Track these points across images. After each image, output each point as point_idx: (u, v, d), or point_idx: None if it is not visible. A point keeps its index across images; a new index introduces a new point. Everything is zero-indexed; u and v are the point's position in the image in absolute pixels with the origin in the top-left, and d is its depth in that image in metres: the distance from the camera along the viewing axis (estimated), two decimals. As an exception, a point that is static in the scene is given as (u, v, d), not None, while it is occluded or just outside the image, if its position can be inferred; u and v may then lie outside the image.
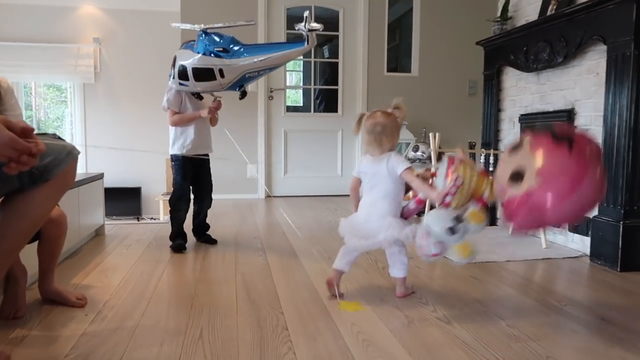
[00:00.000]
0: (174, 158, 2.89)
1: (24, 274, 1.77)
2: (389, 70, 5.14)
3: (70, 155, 1.42)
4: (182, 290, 2.04)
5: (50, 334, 1.58)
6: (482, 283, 2.19)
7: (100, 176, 3.09)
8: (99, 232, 3.11)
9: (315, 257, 2.60)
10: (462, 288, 2.11)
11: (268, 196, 4.93)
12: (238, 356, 1.43)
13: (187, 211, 2.90)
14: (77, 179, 2.85)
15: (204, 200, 2.97)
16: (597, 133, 2.58)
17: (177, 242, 2.83)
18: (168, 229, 3.08)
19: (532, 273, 2.38)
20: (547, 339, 1.57)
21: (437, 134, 2.89)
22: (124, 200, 6.08)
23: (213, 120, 2.95)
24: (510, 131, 3.41)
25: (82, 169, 2.70)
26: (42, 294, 1.85)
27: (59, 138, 1.45)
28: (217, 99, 2.86)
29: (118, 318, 1.72)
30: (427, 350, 1.49)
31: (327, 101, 5.34)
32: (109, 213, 3.22)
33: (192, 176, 2.88)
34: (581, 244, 2.71)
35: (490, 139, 3.54)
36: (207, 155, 2.95)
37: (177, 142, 2.86)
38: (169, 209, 2.93)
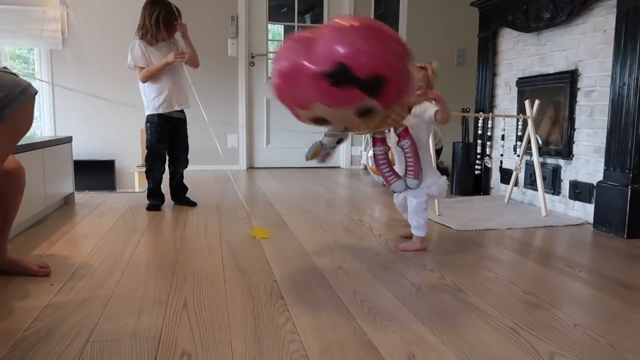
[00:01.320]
0: (149, 119, 2.73)
1: (-24, 239, 1.54)
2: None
3: (25, 93, 1.19)
4: (162, 259, 1.83)
5: (7, 306, 1.37)
6: (487, 250, 2.04)
7: (68, 139, 2.83)
8: (68, 201, 2.87)
9: (306, 225, 2.42)
10: (467, 255, 1.97)
11: (250, 167, 4.71)
12: (229, 327, 1.25)
13: (163, 172, 2.82)
14: (42, 139, 2.61)
15: (179, 161, 2.85)
16: (603, 94, 2.44)
17: (153, 201, 2.73)
18: (144, 199, 2.86)
19: (536, 240, 2.25)
20: (569, 306, 1.43)
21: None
22: (97, 174, 5.75)
23: (190, 61, 2.74)
24: (505, 96, 3.26)
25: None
26: (-6, 265, 1.62)
27: (11, 73, 1.21)
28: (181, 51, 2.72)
29: (88, 288, 1.51)
30: (441, 318, 1.33)
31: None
32: (80, 188, 2.96)
33: (169, 135, 2.76)
34: (582, 211, 2.59)
35: (485, 105, 3.39)
36: (183, 112, 2.77)
37: (151, 100, 2.72)
38: (145, 169, 2.81)
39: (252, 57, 4.64)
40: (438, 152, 3.68)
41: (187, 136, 2.83)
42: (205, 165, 4.58)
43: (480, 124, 2.87)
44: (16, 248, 1.91)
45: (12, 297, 1.42)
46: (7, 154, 1.24)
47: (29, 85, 1.21)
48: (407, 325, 1.28)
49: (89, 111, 5.86)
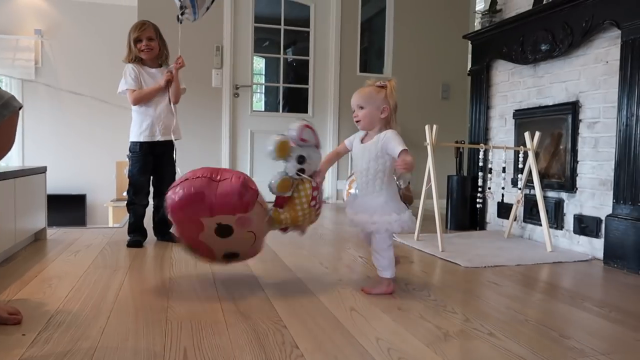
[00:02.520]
0: (131, 147, 2.58)
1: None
2: (361, 70, 4.89)
3: (6, 107, 1.01)
4: (151, 302, 1.62)
5: (-29, 362, 1.14)
6: (505, 288, 1.90)
7: (42, 170, 2.60)
8: (39, 237, 2.61)
9: (305, 262, 2.24)
10: (486, 294, 1.82)
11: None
12: (242, 386, 1.05)
13: (146, 206, 2.62)
14: (14, 169, 2.38)
15: (164, 194, 2.58)
16: (608, 125, 2.39)
17: (134, 237, 2.51)
18: (124, 234, 2.63)
19: (551, 277, 2.12)
20: (619, 353, 1.29)
21: (434, 126, 2.63)
22: (66, 209, 5.43)
23: (173, 94, 2.59)
24: (501, 128, 3.20)
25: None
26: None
27: None
28: (170, 68, 2.60)
29: (68, 338, 1.29)
30: (483, 369, 1.16)
31: (292, 102, 5.01)
32: (48, 224, 2.69)
33: (153, 166, 2.60)
34: (589, 246, 2.49)
35: (479, 138, 3.32)
36: (172, 142, 2.59)
37: (135, 126, 2.57)
38: (126, 202, 2.61)
39: (237, 88, 4.52)
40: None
41: (174, 165, 2.64)
42: (185, 200, 4.36)
43: (481, 156, 2.78)
44: (-20, 291, 1.67)
45: (-24, 352, 1.19)
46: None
47: (12, 98, 1.03)
48: (447, 378, 1.11)
49: (60, 143, 5.61)
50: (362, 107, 1.71)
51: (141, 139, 2.53)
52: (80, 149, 5.62)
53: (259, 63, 5.53)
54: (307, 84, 4.76)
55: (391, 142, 1.67)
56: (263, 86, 5.30)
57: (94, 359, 1.16)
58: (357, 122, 1.75)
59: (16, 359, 1.15)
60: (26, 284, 1.79)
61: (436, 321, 1.49)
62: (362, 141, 1.77)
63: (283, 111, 4.85)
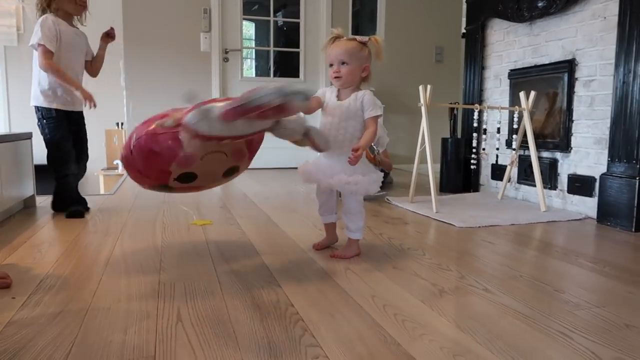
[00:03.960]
0: (47, 113, 2.31)
1: None
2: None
3: None
4: (144, 264, 1.60)
5: (-41, 324, 1.12)
6: (500, 247, 1.90)
7: (27, 135, 2.54)
8: (28, 204, 2.57)
9: (298, 224, 2.22)
10: (480, 252, 1.81)
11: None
12: (237, 342, 1.04)
13: (76, 175, 2.44)
14: (-3, 134, 2.32)
15: (84, 160, 2.51)
16: (604, 83, 2.35)
17: (75, 207, 2.33)
18: (114, 201, 2.60)
19: (545, 236, 2.12)
20: (613, 305, 1.29)
21: (428, 87, 2.58)
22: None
23: (94, 68, 2.48)
24: (496, 89, 3.15)
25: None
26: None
27: None
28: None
29: (59, 301, 1.27)
30: (478, 322, 1.16)
31: (283, 67, 4.91)
32: (38, 193, 2.63)
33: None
34: (582, 205, 2.49)
35: (474, 99, 3.28)
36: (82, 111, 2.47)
37: (49, 90, 2.29)
38: (54, 176, 2.39)
39: (226, 52, 4.41)
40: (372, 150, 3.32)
41: (86, 131, 2.50)
42: (177, 167, 4.31)
43: (475, 117, 2.75)
44: (-32, 256, 1.64)
45: (-35, 315, 1.17)
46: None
47: None
48: (443, 332, 1.10)
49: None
50: (344, 63, 1.59)
51: (56, 106, 2.31)
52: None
53: (249, 28, 5.39)
54: (297, 47, 4.66)
55: (370, 103, 1.59)
56: (253, 51, 5.18)
57: (85, 320, 1.14)
58: (336, 77, 1.61)
59: (6, 321, 1.13)
60: (15, 249, 1.76)
61: (431, 279, 1.49)
62: (337, 98, 1.65)
63: (274, 76, 4.76)
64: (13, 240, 1.88)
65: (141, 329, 1.10)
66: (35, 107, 2.32)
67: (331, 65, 1.62)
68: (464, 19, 4.13)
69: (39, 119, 2.32)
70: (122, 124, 5.12)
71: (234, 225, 2.19)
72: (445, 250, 1.84)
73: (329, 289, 1.38)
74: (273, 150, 4.58)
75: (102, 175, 4.90)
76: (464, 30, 3.77)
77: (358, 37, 1.64)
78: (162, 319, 1.16)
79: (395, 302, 1.28)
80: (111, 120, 5.15)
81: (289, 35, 4.96)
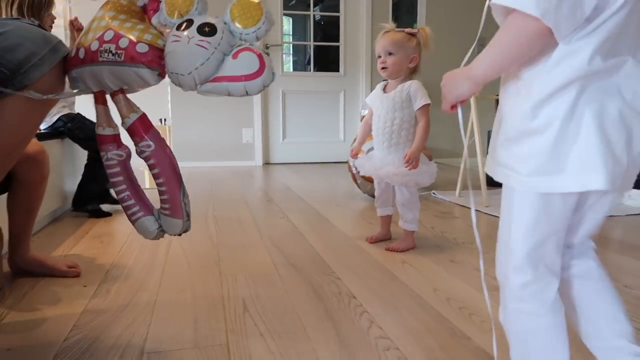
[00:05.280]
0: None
1: (-2, 236, 1.33)
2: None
3: (56, 51, 0.94)
4: (202, 257, 1.63)
5: (39, 312, 1.17)
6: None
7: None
8: (83, 198, 2.65)
9: (348, 218, 2.22)
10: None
11: (266, 163, 4.51)
12: (306, 333, 1.05)
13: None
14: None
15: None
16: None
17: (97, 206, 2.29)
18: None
19: (603, 230, 2.04)
20: (689, 300, 1.24)
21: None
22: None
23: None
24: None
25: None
26: (15, 266, 1.41)
27: (39, 26, 0.98)
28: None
29: (127, 290, 1.31)
30: (549, 318, 1.13)
31: (321, 61, 4.91)
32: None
33: None
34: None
35: (522, 91, 3.19)
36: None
37: None
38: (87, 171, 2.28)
39: (267, 47, 4.44)
40: None
41: None
42: (219, 162, 4.38)
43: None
44: (36, 247, 1.71)
45: (42, 302, 1.22)
46: (35, 127, 1.02)
47: (60, 42, 0.97)
48: (513, 326, 1.08)
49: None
50: (391, 54, 1.59)
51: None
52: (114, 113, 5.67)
53: (285, 23, 5.41)
54: (336, 41, 4.65)
55: (418, 92, 1.59)
56: (291, 46, 5.20)
57: (156, 309, 1.18)
58: (383, 69, 1.61)
59: (81, 309, 1.17)
60: (78, 240, 1.83)
61: (492, 272, 1.46)
62: (384, 90, 1.68)
63: (313, 71, 4.76)
64: (75, 232, 1.95)
65: (210, 318, 1.12)
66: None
67: (379, 57, 1.62)
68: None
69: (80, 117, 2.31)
70: (164, 120, 5.23)
71: (284, 218, 2.21)
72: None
73: (388, 281, 1.38)
74: (314, 144, 4.61)
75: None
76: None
77: (407, 29, 1.64)
78: (229, 309, 1.18)
79: (458, 296, 1.27)
80: (154, 117, 5.27)
81: (327, 30, 4.95)
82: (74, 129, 2.22)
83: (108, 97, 0.98)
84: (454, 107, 0.78)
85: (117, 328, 1.07)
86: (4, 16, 1.85)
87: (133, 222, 1.00)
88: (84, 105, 2.48)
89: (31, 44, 0.91)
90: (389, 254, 1.64)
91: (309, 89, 4.58)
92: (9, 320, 1.11)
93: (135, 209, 0.99)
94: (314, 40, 4.75)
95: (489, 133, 3.26)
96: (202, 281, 1.38)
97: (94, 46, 0.91)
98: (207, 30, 0.87)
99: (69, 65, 0.96)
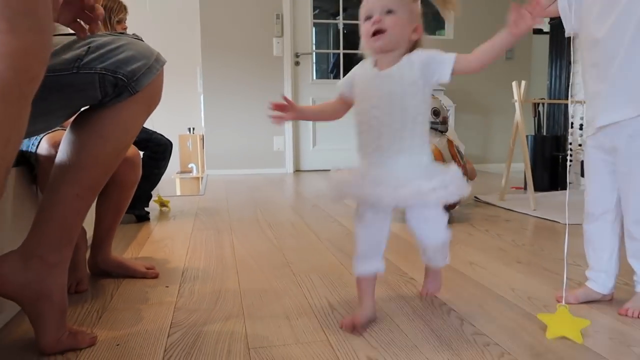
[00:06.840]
0: None
1: (83, 237, 1.37)
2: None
3: (159, 61, 1.06)
4: (270, 258, 1.65)
5: (133, 310, 1.20)
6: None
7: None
8: (132, 204, 2.70)
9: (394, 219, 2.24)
10: (600, 248, 1.77)
11: (297, 170, 4.55)
12: (401, 330, 1.07)
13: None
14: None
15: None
16: None
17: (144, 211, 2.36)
18: (207, 201, 2.70)
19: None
20: None
21: (522, 82, 2.55)
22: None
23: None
24: (585, 85, 3.07)
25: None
26: (96, 267, 1.44)
27: (139, 39, 1.07)
28: None
29: (210, 290, 1.33)
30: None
31: (347, 69, 4.95)
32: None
33: None
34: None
35: (560, 95, 3.20)
36: None
37: None
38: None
39: (297, 56, 4.50)
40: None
41: None
42: (250, 169, 4.43)
43: (570, 112, 2.69)
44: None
45: (133, 301, 1.25)
46: (139, 129, 1.08)
47: (159, 53, 1.07)
48: (603, 324, 1.09)
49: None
50: (391, 12, 1.03)
51: None
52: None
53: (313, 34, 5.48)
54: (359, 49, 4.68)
55: (435, 53, 1.06)
56: (315, 54, 5.24)
57: (245, 306, 1.20)
58: (375, 34, 1.03)
59: (172, 307, 1.20)
60: (142, 245, 1.86)
61: (572, 276, 1.46)
62: (375, 66, 1.08)
63: (336, 78, 4.80)
64: (137, 236, 1.99)
65: (302, 315, 1.15)
66: None
67: (368, 18, 1.05)
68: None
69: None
70: (193, 129, 5.31)
71: (335, 222, 2.23)
72: (561, 245, 1.80)
73: (463, 281, 1.39)
74: (344, 151, 4.63)
75: (178, 179, 5.09)
76: (536, 26, 3.69)
77: None
78: (315, 307, 1.20)
79: (538, 295, 1.28)
80: (184, 126, 5.34)
81: (349, 38, 5.00)
82: None
83: None
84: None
85: (214, 325, 1.10)
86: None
87: None
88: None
89: (141, 55, 1.01)
90: (454, 256, 1.64)
91: (338, 97, 4.61)
92: (106, 318, 1.14)
93: None
94: (336, 48, 4.79)
95: (527, 137, 3.27)
96: (279, 282, 1.40)
97: None
98: None
99: None
